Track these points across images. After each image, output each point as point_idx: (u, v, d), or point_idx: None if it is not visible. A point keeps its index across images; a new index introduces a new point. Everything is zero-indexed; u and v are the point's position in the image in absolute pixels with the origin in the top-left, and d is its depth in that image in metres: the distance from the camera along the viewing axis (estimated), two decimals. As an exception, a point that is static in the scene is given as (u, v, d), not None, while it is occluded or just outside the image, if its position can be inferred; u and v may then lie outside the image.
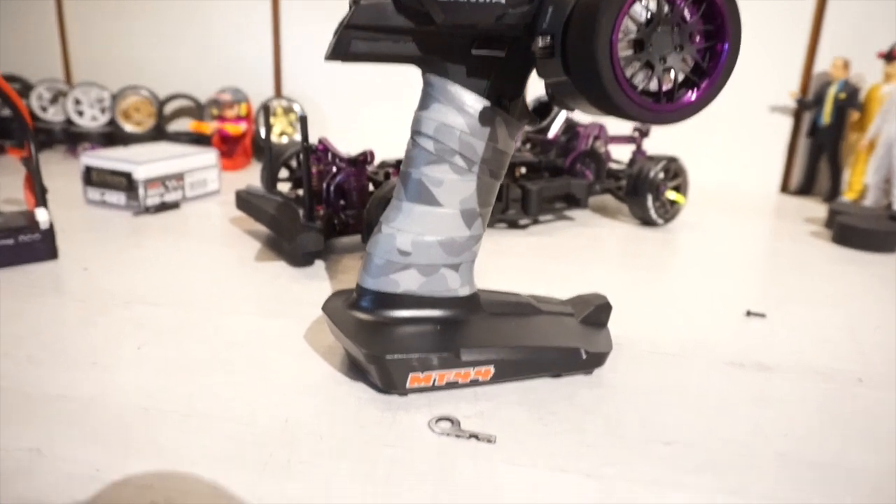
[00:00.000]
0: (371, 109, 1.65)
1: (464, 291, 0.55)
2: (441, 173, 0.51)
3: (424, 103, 0.51)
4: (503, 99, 0.50)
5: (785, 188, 1.56)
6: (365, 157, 0.87)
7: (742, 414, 0.51)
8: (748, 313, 0.72)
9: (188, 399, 0.49)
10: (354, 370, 0.53)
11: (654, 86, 0.42)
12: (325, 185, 0.86)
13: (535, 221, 1.10)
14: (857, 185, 1.37)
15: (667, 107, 0.42)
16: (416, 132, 0.52)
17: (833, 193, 1.43)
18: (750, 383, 0.56)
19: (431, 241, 0.52)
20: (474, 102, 0.49)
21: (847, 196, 1.38)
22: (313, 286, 0.75)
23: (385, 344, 0.49)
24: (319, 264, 0.83)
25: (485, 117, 0.49)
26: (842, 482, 0.43)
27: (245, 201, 0.93)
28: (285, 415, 0.48)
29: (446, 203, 0.51)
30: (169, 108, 1.77)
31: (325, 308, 0.55)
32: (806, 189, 1.50)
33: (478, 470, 0.42)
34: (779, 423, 0.50)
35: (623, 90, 0.40)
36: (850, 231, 1.03)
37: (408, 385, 0.49)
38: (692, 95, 0.43)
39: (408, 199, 0.52)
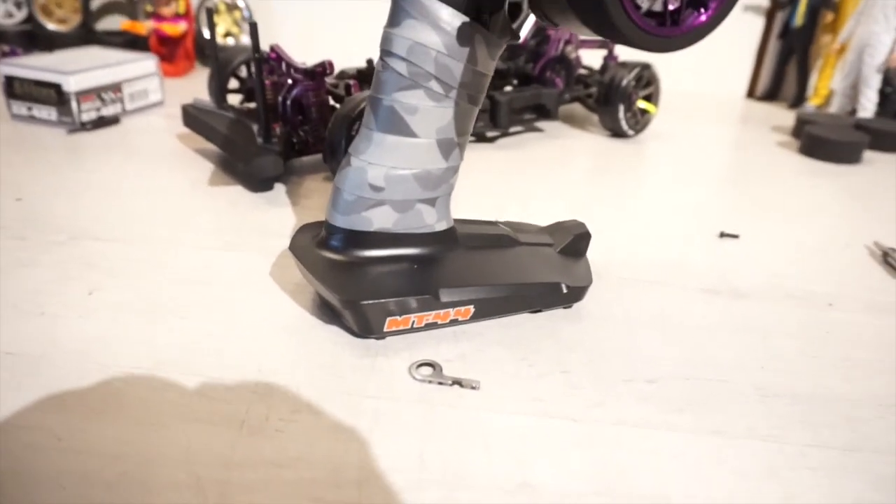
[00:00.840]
0: (328, 12, 1.52)
1: (440, 226, 0.52)
2: (415, 99, 0.46)
3: (395, 19, 0.45)
4: (483, 13, 0.45)
5: (752, 93, 1.53)
6: (323, 69, 0.80)
7: (721, 345, 0.51)
8: (721, 235, 0.72)
9: (150, 350, 0.46)
10: (327, 312, 0.51)
11: (658, 6, 0.37)
12: (280, 100, 0.79)
13: (504, 134, 1.06)
14: (823, 90, 1.36)
15: (673, 30, 0.37)
16: (386, 52, 0.46)
17: (799, 99, 1.42)
18: (726, 311, 0.57)
19: (406, 174, 0.49)
20: (451, 18, 0.44)
21: (812, 102, 1.37)
22: (275, 214, 0.71)
23: (360, 288, 0.47)
24: (279, 188, 0.78)
25: (463, 35, 0.44)
26: (818, 414, 0.45)
27: (193, 118, 0.85)
28: (258, 364, 0.45)
29: (421, 133, 0.47)
30: (96, 2, 1.58)
31: (292, 248, 0.52)
32: (772, 94, 1.49)
33: (463, 419, 0.41)
34: (756, 354, 0.51)
35: (625, 9, 0.36)
36: (818, 142, 1.03)
37: (385, 329, 0.47)
38: (702, 16, 0.38)
39: (378, 129, 0.48)
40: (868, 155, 1.06)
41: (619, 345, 0.51)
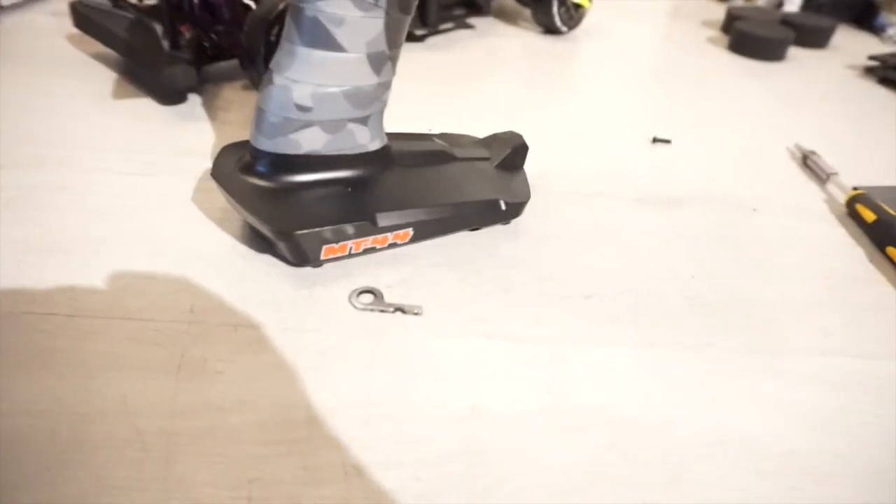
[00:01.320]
0: None
1: (374, 146, 0.50)
2: (341, 9, 0.42)
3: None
4: None
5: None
6: (232, -40, 0.69)
7: (654, 255, 0.52)
8: (654, 140, 0.72)
9: (67, 294, 0.42)
10: (259, 240, 0.48)
11: None
12: (186, -2, 0.69)
13: (434, 32, 1.00)
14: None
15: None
16: (304, -49, 0.40)
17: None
18: (658, 220, 0.58)
19: (335, 92, 0.45)
20: None
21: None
22: (191, 130, 0.65)
23: (293, 217, 0.44)
24: (194, 100, 0.71)
25: (392, -69, 0.38)
26: (739, 319, 0.47)
27: (85, 18, 0.75)
28: (189, 302, 0.43)
29: (350, 46, 0.43)
30: None
31: (215, 175, 0.48)
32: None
33: (408, 348, 0.40)
34: (687, 263, 0.52)
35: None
36: (746, 38, 1.02)
37: (322, 257, 0.46)
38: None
39: (302, 43, 0.43)
40: (793, 52, 1.07)
41: (558, 260, 0.51)
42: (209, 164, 0.57)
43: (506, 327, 0.43)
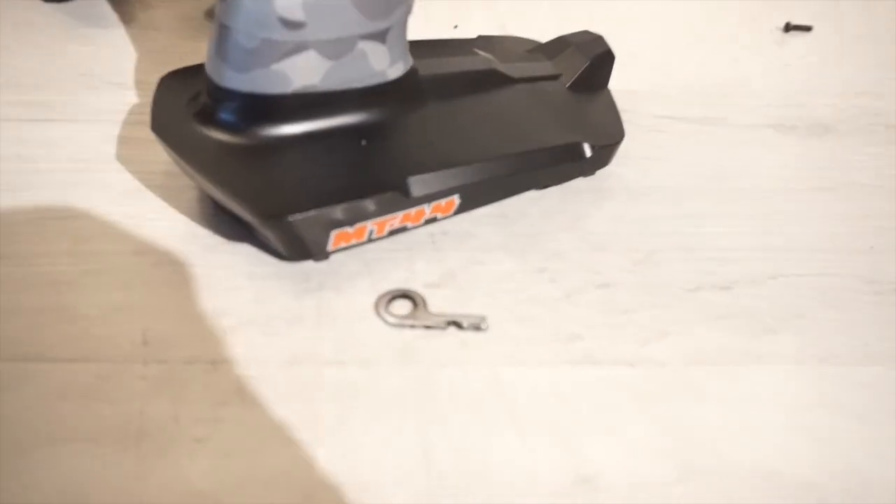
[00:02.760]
0: None
1: (396, 72, 0.46)
2: None
3: None
4: None
5: None
6: None
7: (806, 214, 0.51)
8: (787, 28, 0.69)
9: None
10: (230, 222, 0.45)
11: None
12: None
13: None
14: None
15: None
16: None
17: None
18: (806, 156, 0.56)
19: None
20: None
21: None
22: (106, 48, 0.60)
23: (283, 192, 0.41)
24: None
25: None
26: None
27: None
28: (139, 328, 0.39)
29: None
30: None
31: (158, 129, 0.44)
32: None
33: (472, 383, 0.38)
34: (861, 226, 0.51)
35: None
36: None
37: (331, 247, 0.43)
38: None
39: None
40: None
41: (669, 229, 0.48)
42: (134, 100, 0.54)
43: (608, 344, 0.41)
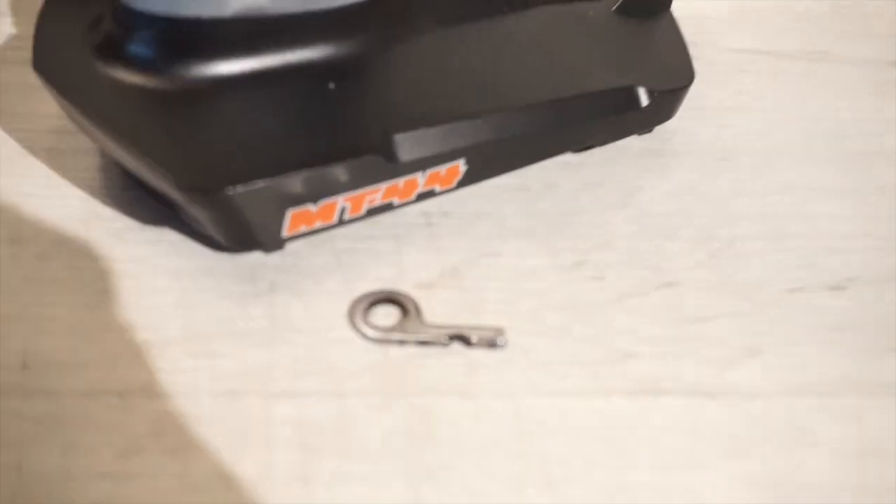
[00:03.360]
0: None
1: None
2: None
3: None
4: None
5: None
6: None
7: None
8: None
9: None
10: (146, 199, 0.45)
11: None
12: None
13: None
14: None
15: None
16: None
17: None
18: None
19: None
20: None
21: None
22: None
23: (219, 159, 0.40)
24: None
25: None
26: None
27: None
28: (19, 347, 0.39)
29: None
30: None
31: (40, 66, 0.44)
32: None
33: (484, 422, 0.38)
34: None
35: None
36: None
37: (286, 233, 0.42)
38: None
39: None
40: None
41: (760, 210, 0.48)
42: (7, 28, 0.53)
43: (675, 367, 0.40)
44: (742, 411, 0.39)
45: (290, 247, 0.44)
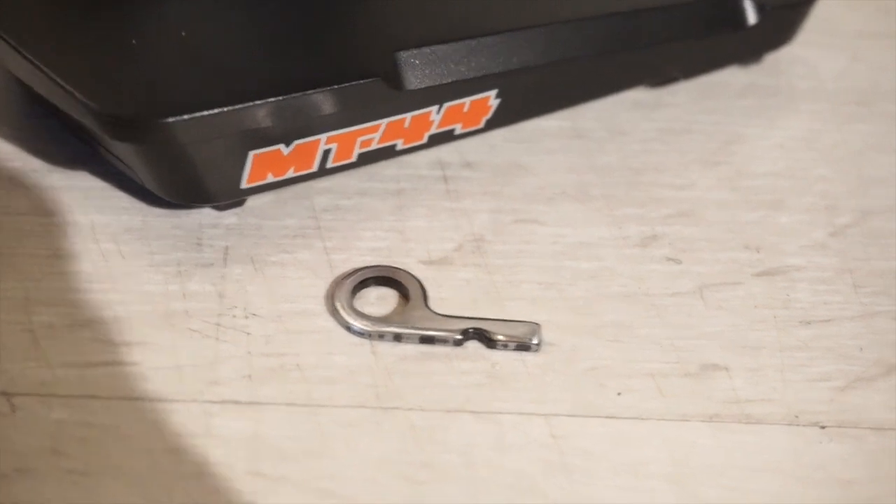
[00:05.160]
0: None
1: None
2: None
3: None
4: None
5: None
6: None
7: None
8: None
9: None
10: (53, 131, 0.45)
11: None
12: None
13: None
14: None
15: None
16: None
17: None
18: None
19: None
20: None
21: None
22: None
23: (154, 78, 0.40)
24: None
25: None
26: None
27: None
28: None
29: None
30: None
31: None
32: None
33: (511, 450, 0.37)
34: None
35: None
36: None
37: (246, 182, 0.41)
38: None
39: None
40: None
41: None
42: None
43: (779, 383, 0.39)
44: (864, 449, 0.37)
45: (253, 202, 0.43)
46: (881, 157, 0.48)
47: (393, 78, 0.42)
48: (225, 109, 0.39)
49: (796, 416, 0.38)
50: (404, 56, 0.42)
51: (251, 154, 0.41)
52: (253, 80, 0.41)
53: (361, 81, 0.41)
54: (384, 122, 0.43)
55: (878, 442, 0.37)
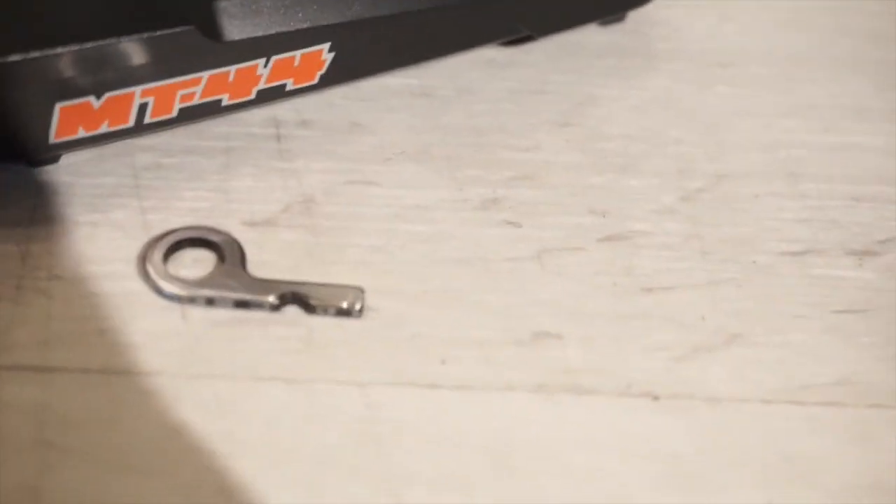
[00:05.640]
0: None
1: None
2: None
3: None
4: None
5: None
6: None
7: None
8: None
9: None
10: None
11: None
12: None
13: None
14: None
15: None
16: None
17: None
18: None
19: None
20: None
21: None
22: None
23: None
24: None
25: None
26: None
27: None
28: None
29: None
30: None
31: None
32: None
33: (323, 422, 0.38)
34: None
35: None
36: None
37: (55, 137, 0.41)
38: None
39: None
40: None
41: (761, 141, 0.48)
42: None
43: (613, 352, 0.40)
44: (696, 422, 0.38)
45: (69, 159, 0.43)
46: (741, 122, 0.49)
47: (209, 27, 0.42)
48: (23, 57, 0.39)
49: (629, 387, 0.39)
50: (222, 4, 0.42)
51: (57, 106, 0.41)
52: (53, 25, 0.40)
53: (174, 30, 0.41)
54: (205, 74, 0.43)
55: (711, 414, 0.38)
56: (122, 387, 0.37)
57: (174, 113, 0.43)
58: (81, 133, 0.42)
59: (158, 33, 0.41)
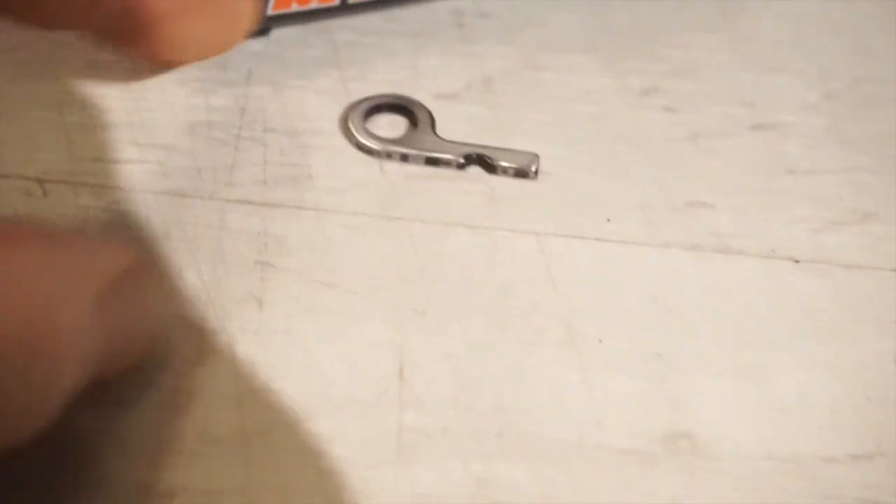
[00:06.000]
0: None
1: None
2: None
3: None
4: None
5: None
6: None
7: None
8: None
9: None
10: None
11: None
12: None
13: None
14: None
15: None
16: None
17: None
18: None
19: None
20: None
21: None
22: None
23: None
24: None
25: None
26: None
27: None
28: None
29: None
30: None
31: None
32: None
33: (500, 263, 0.39)
34: None
35: None
36: None
37: (272, 9, 0.43)
38: None
39: None
40: None
41: None
42: None
43: (759, 221, 0.41)
44: (833, 284, 0.38)
45: (278, 34, 0.44)
46: (880, 33, 0.48)
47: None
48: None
49: (773, 250, 0.39)
50: None
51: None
52: None
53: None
54: None
55: (847, 278, 0.38)
56: (331, 222, 0.39)
57: (374, -4, 0.41)
58: (295, 7, 0.43)
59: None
